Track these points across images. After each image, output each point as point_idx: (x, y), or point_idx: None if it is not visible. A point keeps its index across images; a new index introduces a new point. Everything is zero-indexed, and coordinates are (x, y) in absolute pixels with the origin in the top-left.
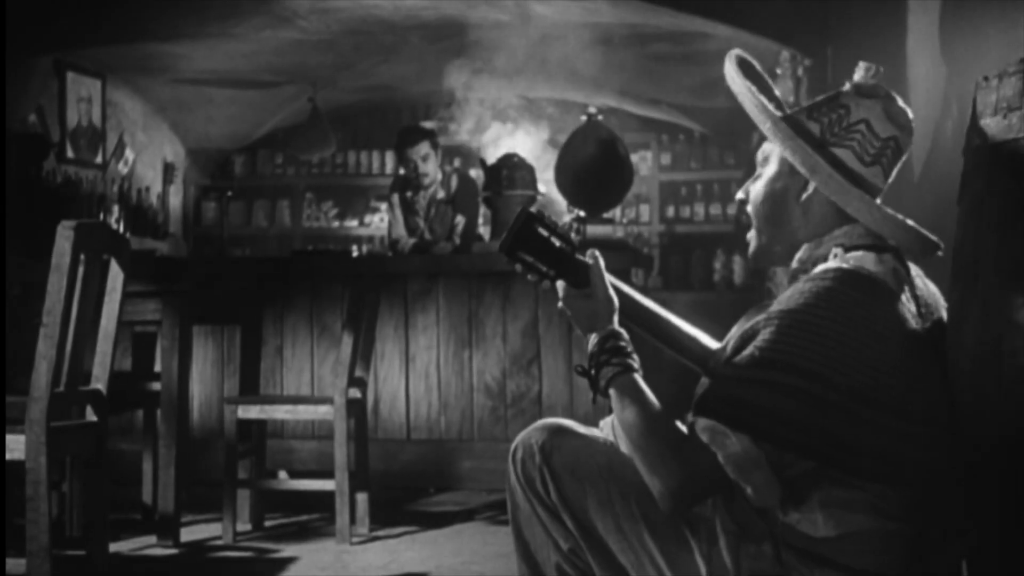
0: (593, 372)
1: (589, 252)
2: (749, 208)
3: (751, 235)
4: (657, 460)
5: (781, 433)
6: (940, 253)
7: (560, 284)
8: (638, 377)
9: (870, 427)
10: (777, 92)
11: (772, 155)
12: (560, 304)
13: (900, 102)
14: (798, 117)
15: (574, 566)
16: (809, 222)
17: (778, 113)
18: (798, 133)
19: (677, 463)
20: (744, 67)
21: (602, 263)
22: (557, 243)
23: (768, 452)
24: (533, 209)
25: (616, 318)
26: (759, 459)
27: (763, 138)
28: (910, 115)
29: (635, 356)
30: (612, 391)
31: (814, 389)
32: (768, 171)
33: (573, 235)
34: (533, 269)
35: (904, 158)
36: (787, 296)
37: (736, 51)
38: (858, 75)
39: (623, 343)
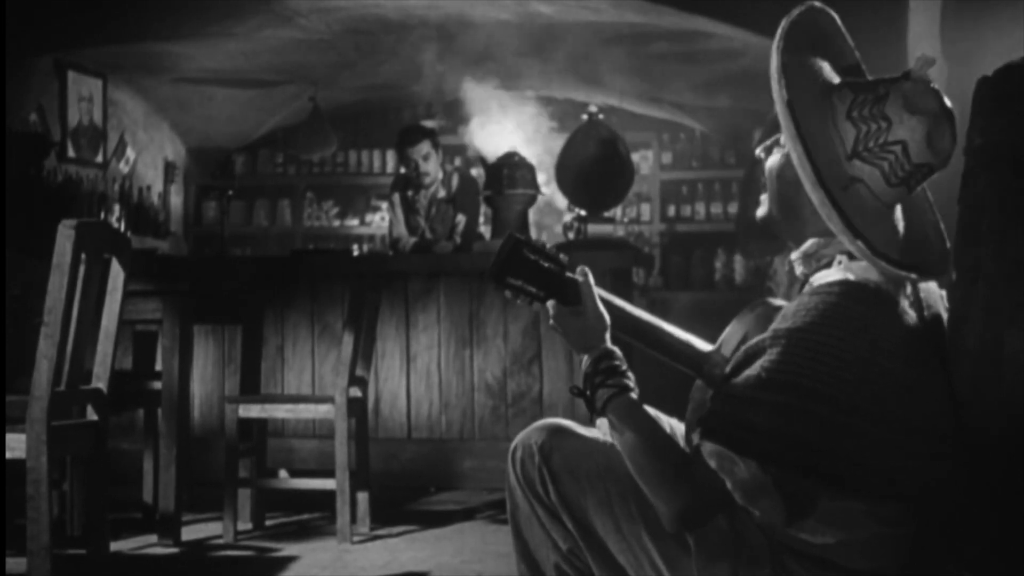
0: (588, 393)
1: (579, 269)
2: (766, 176)
3: (764, 197)
4: (660, 483)
5: (790, 457)
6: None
7: (551, 304)
8: (635, 397)
9: (878, 446)
10: (857, 54)
11: (783, 137)
12: (551, 323)
13: (949, 122)
14: (836, 103)
15: (573, 566)
16: (819, 220)
17: (836, 79)
18: (822, 132)
19: (680, 486)
20: (807, 30)
21: (591, 279)
22: (546, 264)
23: (775, 475)
24: (519, 234)
25: (608, 335)
26: (767, 484)
27: (775, 125)
28: (954, 139)
29: (630, 375)
30: (609, 413)
31: (822, 411)
32: (787, 151)
33: (562, 255)
34: (523, 292)
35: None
36: (792, 311)
37: (798, 12)
38: (915, 67)
39: (617, 362)
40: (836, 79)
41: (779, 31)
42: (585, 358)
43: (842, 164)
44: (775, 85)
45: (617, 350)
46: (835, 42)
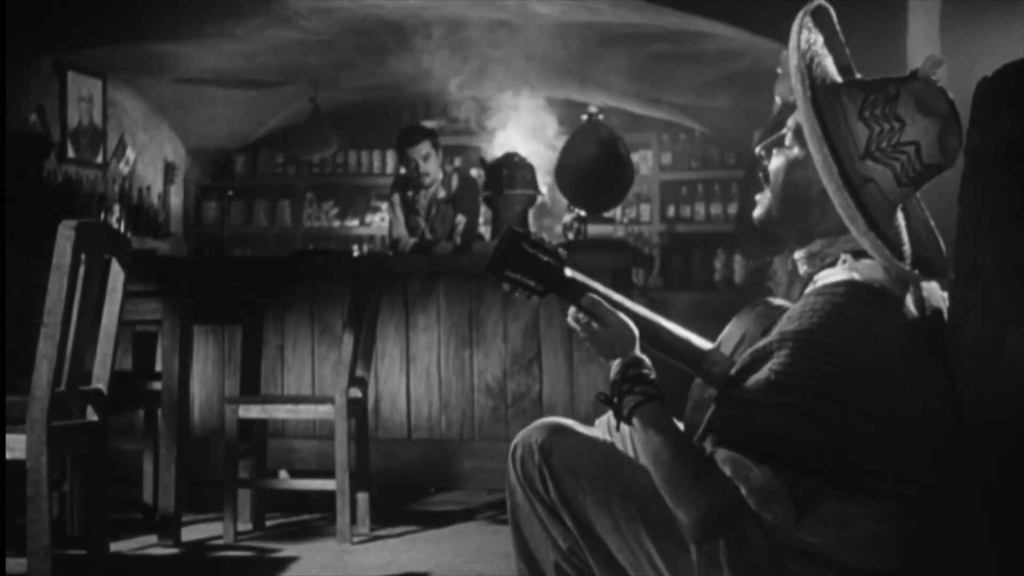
0: (615, 400)
1: (585, 297)
2: (770, 177)
3: (761, 197)
4: (682, 492)
5: (804, 461)
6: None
7: (580, 316)
8: (660, 405)
9: (887, 447)
10: (847, 52)
11: (806, 137)
12: (582, 335)
13: (957, 123)
14: (847, 102)
15: (573, 565)
16: (826, 222)
17: (840, 79)
18: (837, 133)
19: (703, 496)
20: (819, 18)
21: (596, 296)
22: (544, 258)
23: (788, 479)
24: (518, 227)
25: (637, 344)
26: (780, 490)
27: (775, 125)
28: (962, 140)
29: (656, 384)
30: (635, 420)
31: (834, 413)
32: (796, 152)
33: (560, 250)
34: (521, 285)
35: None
36: (799, 312)
37: (818, 2)
38: (923, 68)
39: (645, 370)
40: (838, 77)
41: (795, 29)
42: (613, 365)
43: (856, 164)
44: (798, 86)
45: (645, 358)
46: (835, 40)
